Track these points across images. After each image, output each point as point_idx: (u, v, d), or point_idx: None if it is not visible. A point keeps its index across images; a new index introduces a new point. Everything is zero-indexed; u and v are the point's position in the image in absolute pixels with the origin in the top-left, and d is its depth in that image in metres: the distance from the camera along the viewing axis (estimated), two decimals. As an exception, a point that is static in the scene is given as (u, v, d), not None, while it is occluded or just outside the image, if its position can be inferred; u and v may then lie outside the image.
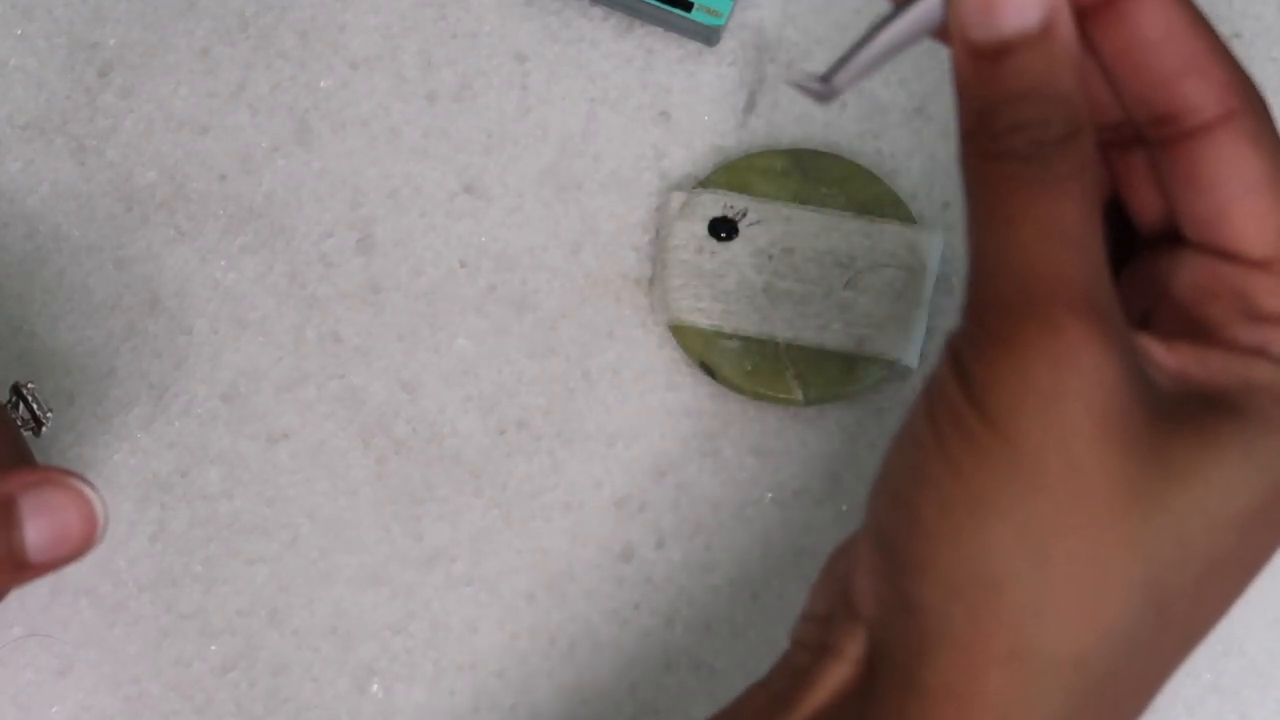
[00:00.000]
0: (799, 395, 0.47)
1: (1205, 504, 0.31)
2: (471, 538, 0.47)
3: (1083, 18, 0.33)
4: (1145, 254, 0.36)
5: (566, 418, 0.48)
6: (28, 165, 0.49)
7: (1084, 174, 0.31)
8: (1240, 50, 0.52)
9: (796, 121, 0.50)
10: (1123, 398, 0.31)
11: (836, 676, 0.34)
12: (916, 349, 0.47)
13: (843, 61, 0.34)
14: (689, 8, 0.49)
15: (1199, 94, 0.33)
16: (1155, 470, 0.31)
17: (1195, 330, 0.34)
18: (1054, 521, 0.31)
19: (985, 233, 0.32)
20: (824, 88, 0.34)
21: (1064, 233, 0.31)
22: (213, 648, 0.46)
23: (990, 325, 0.31)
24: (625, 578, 0.46)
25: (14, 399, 0.43)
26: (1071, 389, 0.30)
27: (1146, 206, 0.36)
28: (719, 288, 0.48)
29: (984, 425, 0.31)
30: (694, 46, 0.51)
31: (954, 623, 0.31)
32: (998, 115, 0.31)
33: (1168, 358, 0.33)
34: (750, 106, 0.48)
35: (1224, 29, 0.52)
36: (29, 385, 0.43)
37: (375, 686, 0.46)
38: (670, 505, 0.47)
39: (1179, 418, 0.32)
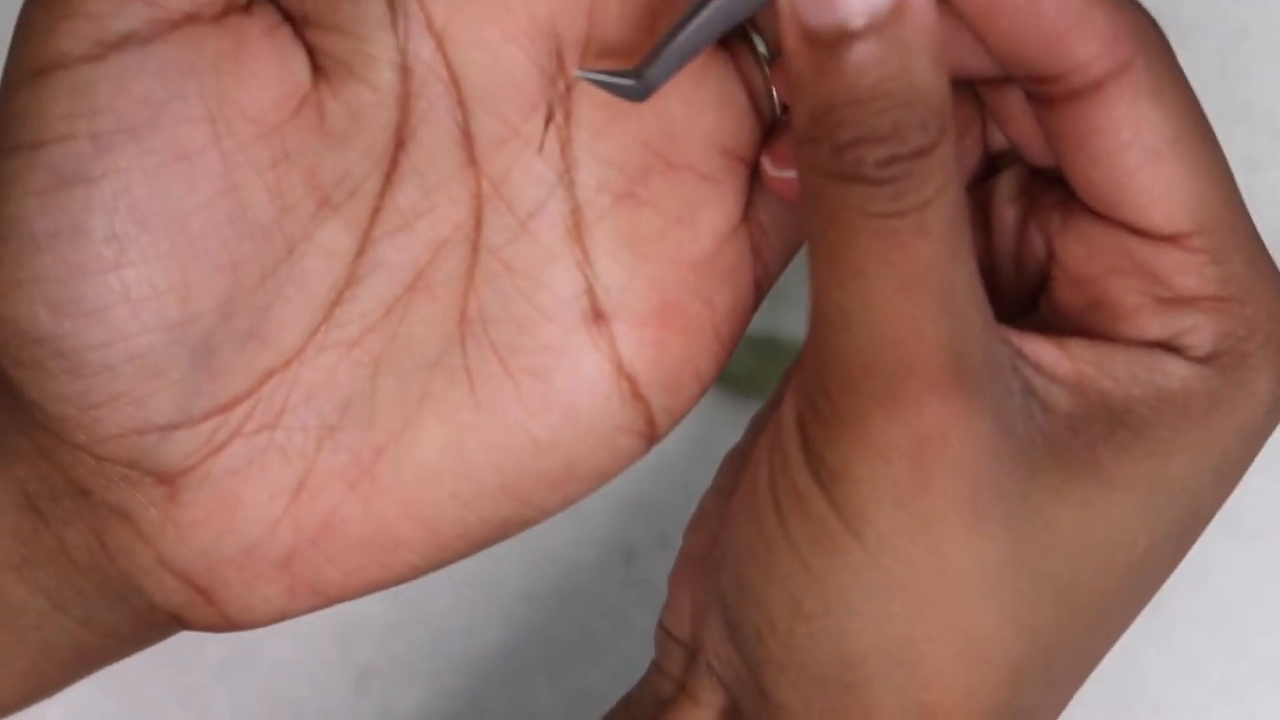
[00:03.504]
0: (801, 394, 0.47)
1: (1097, 556, 0.28)
2: (472, 537, 0.46)
3: None
4: (1039, 194, 0.30)
5: (567, 417, 0.47)
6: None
7: (947, 195, 0.25)
8: (1247, 47, 0.51)
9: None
10: (996, 471, 0.26)
11: None
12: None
13: (657, 50, 0.28)
14: (691, 3, 0.49)
15: (1085, 48, 0.27)
16: (1038, 535, 0.27)
17: (1095, 314, 0.29)
18: (921, 624, 0.27)
19: (827, 281, 0.27)
20: (634, 83, 0.28)
21: (924, 285, 0.26)
22: (211, 648, 0.45)
23: (840, 406, 0.26)
24: (626, 578, 0.46)
25: None
26: (935, 481, 0.26)
27: (1035, 149, 0.30)
28: (721, 286, 0.47)
29: (838, 520, 0.27)
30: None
31: None
32: (839, 122, 0.25)
33: (1062, 363, 0.28)
34: None
35: (1230, 25, 0.51)
36: None
37: (375, 686, 0.45)
38: (671, 505, 0.47)
39: (1071, 460, 0.27)
